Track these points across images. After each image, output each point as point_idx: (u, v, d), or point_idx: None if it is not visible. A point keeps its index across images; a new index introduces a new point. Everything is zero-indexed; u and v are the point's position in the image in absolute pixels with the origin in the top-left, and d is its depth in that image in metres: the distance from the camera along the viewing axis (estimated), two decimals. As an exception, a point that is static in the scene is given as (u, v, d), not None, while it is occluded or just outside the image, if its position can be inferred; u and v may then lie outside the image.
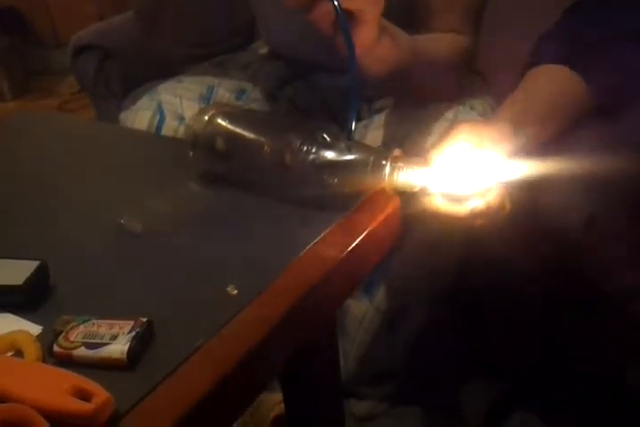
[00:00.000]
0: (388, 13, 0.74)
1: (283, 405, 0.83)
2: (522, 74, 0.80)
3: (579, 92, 0.74)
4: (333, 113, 1.06)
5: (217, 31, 1.27)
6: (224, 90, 1.02)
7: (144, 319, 0.52)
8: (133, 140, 0.89)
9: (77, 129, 0.93)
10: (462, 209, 0.63)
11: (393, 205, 0.67)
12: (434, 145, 0.66)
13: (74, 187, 0.76)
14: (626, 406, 0.90)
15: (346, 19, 0.65)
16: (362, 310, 0.97)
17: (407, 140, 0.87)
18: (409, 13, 0.91)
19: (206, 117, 0.71)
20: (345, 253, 0.61)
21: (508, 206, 0.64)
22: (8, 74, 2.50)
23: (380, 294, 0.95)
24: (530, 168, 0.63)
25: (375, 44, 0.70)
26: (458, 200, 0.63)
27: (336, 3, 0.64)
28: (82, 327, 0.52)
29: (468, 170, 0.63)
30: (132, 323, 0.52)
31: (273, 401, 0.95)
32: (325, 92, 1.06)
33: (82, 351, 0.50)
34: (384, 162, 0.64)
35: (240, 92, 1.03)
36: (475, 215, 0.63)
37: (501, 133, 0.66)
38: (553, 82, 0.75)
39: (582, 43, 0.77)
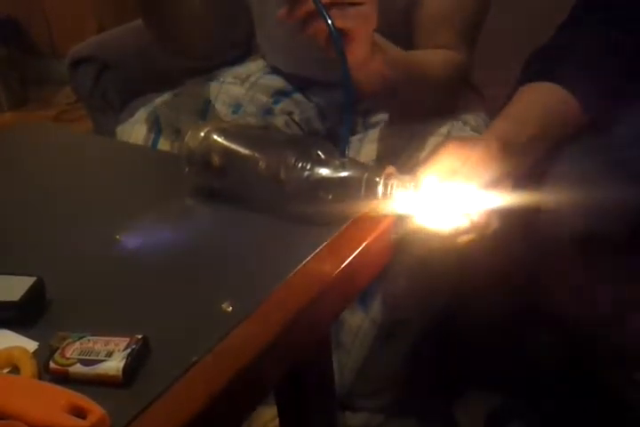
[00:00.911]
0: (385, 31, 0.75)
1: (277, 419, 0.84)
2: (514, 89, 0.81)
3: (569, 110, 0.75)
4: (331, 126, 1.07)
5: (217, 44, 1.28)
6: (220, 104, 1.03)
7: (139, 336, 0.53)
8: (130, 154, 0.90)
9: (75, 142, 0.94)
10: (448, 228, 0.64)
11: (386, 222, 0.68)
12: (423, 163, 0.67)
13: (70, 202, 0.76)
14: (623, 416, 0.90)
15: (339, 36, 0.66)
16: (357, 323, 0.98)
17: (401, 154, 0.88)
18: (406, 30, 0.92)
19: (202, 134, 0.72)
20: (339, 269, 0.62)
21: (494, 225, 0.65)
22: (5, 84, 2.50)
23: (376, 307, 0.95)
24: (517, 193, 0.64)
25: (368, 60, 0.72)
26: (444, 219, 0.64)
27: (329, 21, 0.66)
28: (78, 344, 0.52)
29: (455, 190, 0.64)
30: (127, 340, 0.52)
31: (268, 416, 0.95)
32: (322, 105, 1.07)
33: (78, 368, 0.50)
34: (377, 179, 0.64)
35: (236, 106, 1.04)
36: (460, 233, 0.64)
37: (489, 153, 0.67)
38: (544, 99, 0.76)
39: (572, 60, 0.78)
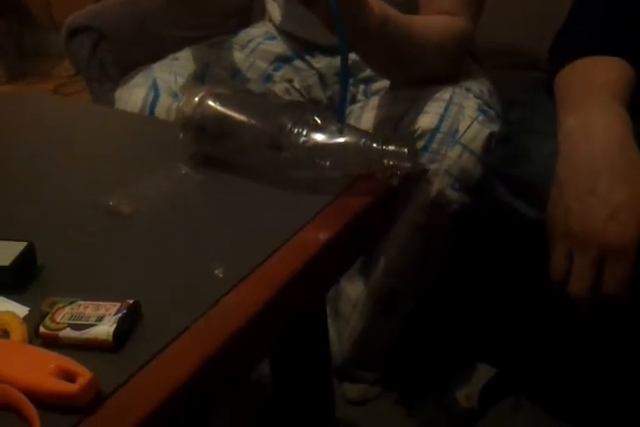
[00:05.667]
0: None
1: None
2: (552, 72, 0.79)
3: (632, 76, 0.74)
4: (332, 94, 1.05)
5: (213, 13, 1.26)
6: (219, 69, 1.01)
7: (131, 301, 0.52)
8: (125, 122, 0.89)
9: (70, 111, 0.93)
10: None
11: (384, 188, 0.67)
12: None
13: (64, 168, 0.75)
14: (622, 388, 0.90)
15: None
16: (356, 293, 0.97)
17: (402, 121, 0.86)
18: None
19: (196, 99, 0.70)
20: (335, 236, 0.61)
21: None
22: (3, 57, 2.48)
23: (375, 277, 0.94)
24: None
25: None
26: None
27: None
28: (68, 309, 0.52)
29: None
30: (118, 305, 0.52)
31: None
32: (324, 72, 1.05)
33: (68, 333, 0.50)
34: (375, 145, 0.63)
35: (235, 72, 1.02)
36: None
37: None
38: (610, 69, 0.75)
39: (621, 28, 0.76)
